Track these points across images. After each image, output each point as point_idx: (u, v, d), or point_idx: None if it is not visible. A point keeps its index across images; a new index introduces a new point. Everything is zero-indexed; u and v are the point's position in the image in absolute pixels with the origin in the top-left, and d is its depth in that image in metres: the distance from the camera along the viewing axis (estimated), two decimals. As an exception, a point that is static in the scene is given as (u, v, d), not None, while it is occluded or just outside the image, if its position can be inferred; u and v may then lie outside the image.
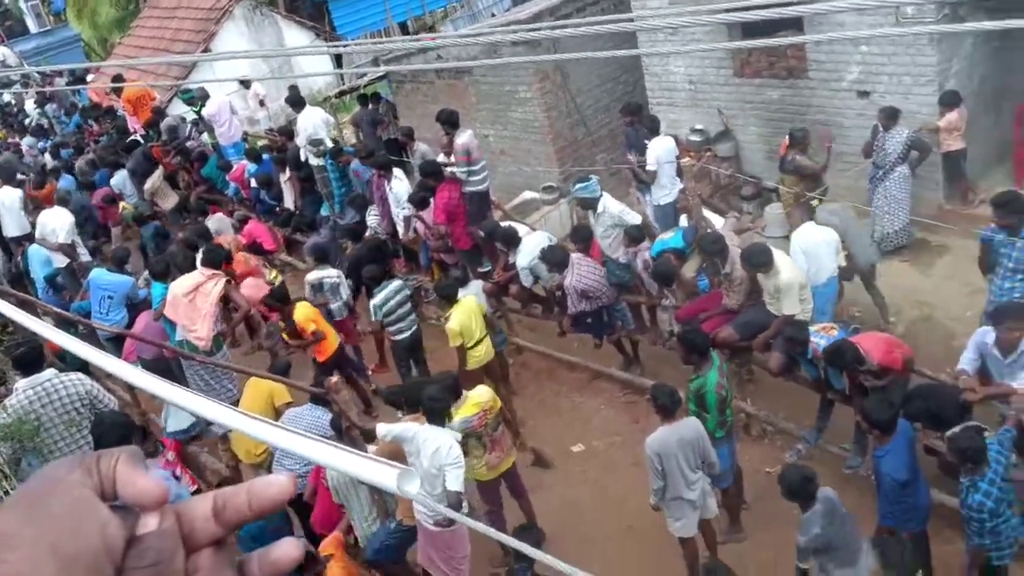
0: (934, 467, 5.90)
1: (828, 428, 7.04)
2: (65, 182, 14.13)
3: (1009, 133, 9.94)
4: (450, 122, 9.90)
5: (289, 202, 12.39)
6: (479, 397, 6.54)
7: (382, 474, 0.85)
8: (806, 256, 7.56)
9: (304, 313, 8.36)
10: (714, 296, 7.80)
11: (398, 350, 8.80)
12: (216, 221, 11.55)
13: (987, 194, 8.52)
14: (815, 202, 8.94)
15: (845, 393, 6.60)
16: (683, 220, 8.86)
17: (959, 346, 7.13)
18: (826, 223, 8.05)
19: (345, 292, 9.39)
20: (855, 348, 6.18)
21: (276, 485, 0.75)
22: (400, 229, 10.28)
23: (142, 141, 14.78)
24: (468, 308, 7.89)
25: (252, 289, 9.42)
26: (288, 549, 0.75)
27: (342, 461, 0.90)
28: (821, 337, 6.51)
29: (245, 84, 15.68)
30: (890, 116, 9.04)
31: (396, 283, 8.71)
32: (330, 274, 9.34)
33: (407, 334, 8.69)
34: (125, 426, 5.92)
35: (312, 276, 9.41)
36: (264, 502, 0.74)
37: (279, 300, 8.58)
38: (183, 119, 14.87)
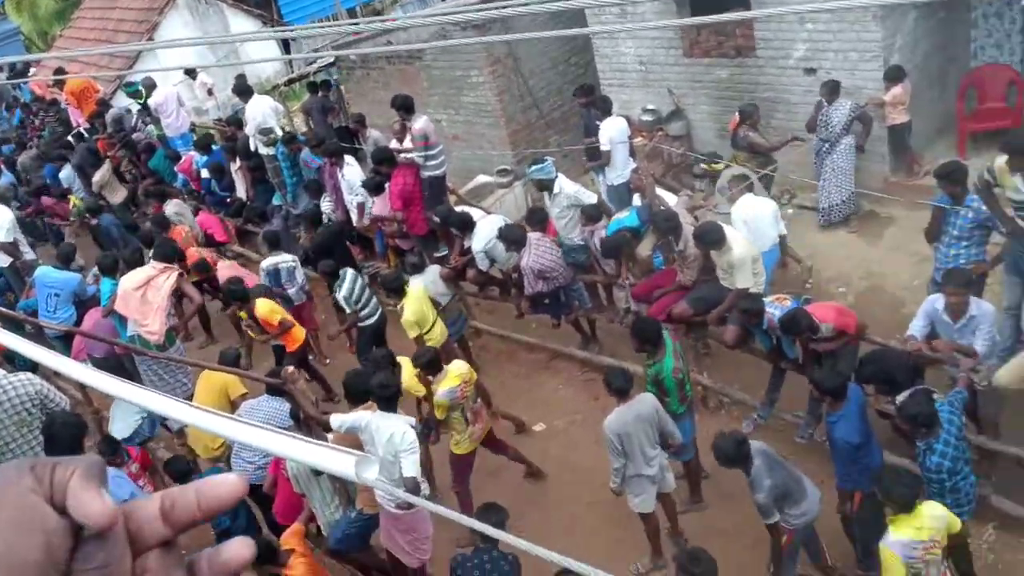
0: (887, 430, 6.06)
1: (780, 398, 7.18)
2: (5, 179, 13.79)
3: (952, 105, 10.15)
4: (405, 107, 9.80)
5: (241, 192, 12.22)
6: (458, 369, 6.70)
7: (340, 462, 0.85)
8: (747, 226, 7.85)
9: (268, 307, 8.28)
10: (668, 273, 7.89)
11: (364, 336, 8.76)
12: (175, 205, 11.43)
13: (931, 165, 8.70)
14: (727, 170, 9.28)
15: (798, 362, 6.73)
16: (636, 200, 8.92)
17: (908, 314, 7.30)
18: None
19: (300, 276, 9.36)
20: (809, 316, 6.31)
21: (226, 484, 0.73)
22: (354, 216, 10.21)
23: (86, 135, 14.46)
24: (418, 296, 7.92)
25: (228, 271, 9.39)
26: (239, 549, 0.73)
27: (299, 451, 0.90)
28: (775, 307, 6.64)
29: (191, 74, 15.36)
30: (832, 90, 9.25)
31: (351, 271, 8.67)
32: (285, 259, 9.30)
33: (374, 319, 8.68)
34: (77, 426, 5.84)
35: (266, 263, 9.34)
36: (213, 501, 0.72)
37: (239, 298, 8.45)
38: (128, 110, 14.55)
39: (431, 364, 6.65)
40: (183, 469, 6.60)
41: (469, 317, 9.35)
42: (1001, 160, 6.01)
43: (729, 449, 5.32)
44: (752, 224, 7.91)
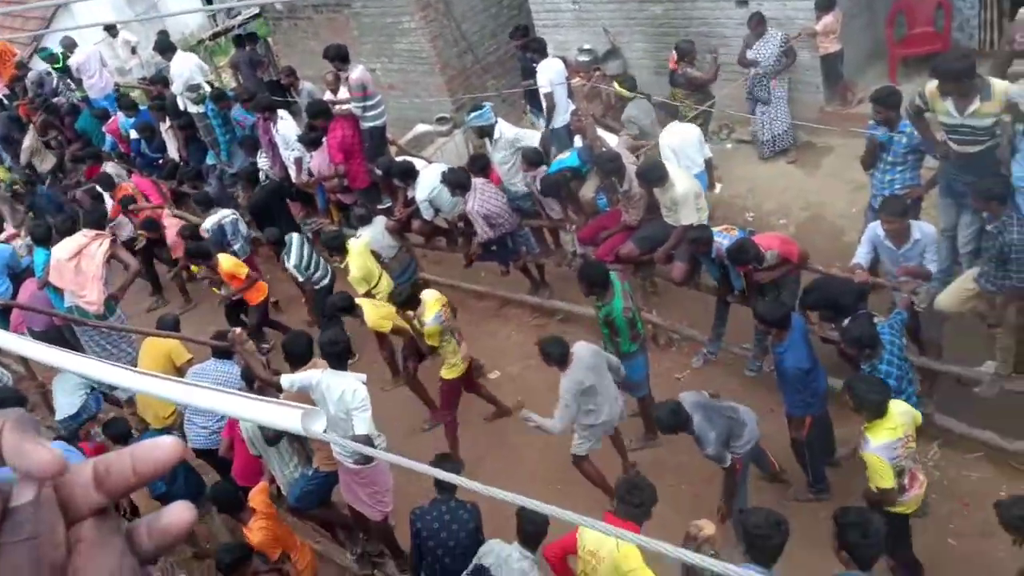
0: (831, 356, 6.21)
1: (728, 332, 7.30)
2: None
3: (881, 32, 10.24)
4: (340, 57, 9.54)
5: (173, 152, 11.85)
6: (432, 295, 6.92)
7: (287, 417, 0.83)
8: (675, 154, 8.03)
9: (232, 262, 8.25)
10: (614, 214, 7.91)
11: (320, 298, 8.65)
12: (112, 167, 11.20)
13: (865, 93, 8.79)
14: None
15: (744, 294, 6.85)
16: (577, 141, 8.88)
17: (848, 242, 7.45)
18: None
19: (244, 228, 9.29)
20: (756, 245, 6.43)
21: (162, 447, 0.70)
22: (292, 172, 9.99)
23: (5, 101, 13.88)
24: (361, 252, 7.87)
25: (177, 226, 9.30)
26: (180, 513, 0.71)
27: (246, 409, 0.88)
28: (724, 237, 6.74)
29: (112, 32, 14.76)
30: (759, 22, 9.27)
31: (296, 236, 8.55)
32: (225, 214, 9.20)
33: (326, 280, 8.61)
34: (18, 401, 5.74)
35: (209, 222, 9.18)
36: (149, 465, 0.69)
37: (202, 256, 8.33)
38: (49, 72, 13.96)
39: (410, 300, 6.80)
40: (121, 432, 6.50)
41: (419, 268, 9.30)
42: (932, 85, 6.08)
43: (667, 419, 5.40)
44: (680, 151, 8.09)
